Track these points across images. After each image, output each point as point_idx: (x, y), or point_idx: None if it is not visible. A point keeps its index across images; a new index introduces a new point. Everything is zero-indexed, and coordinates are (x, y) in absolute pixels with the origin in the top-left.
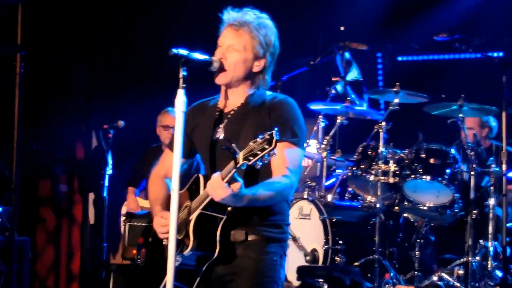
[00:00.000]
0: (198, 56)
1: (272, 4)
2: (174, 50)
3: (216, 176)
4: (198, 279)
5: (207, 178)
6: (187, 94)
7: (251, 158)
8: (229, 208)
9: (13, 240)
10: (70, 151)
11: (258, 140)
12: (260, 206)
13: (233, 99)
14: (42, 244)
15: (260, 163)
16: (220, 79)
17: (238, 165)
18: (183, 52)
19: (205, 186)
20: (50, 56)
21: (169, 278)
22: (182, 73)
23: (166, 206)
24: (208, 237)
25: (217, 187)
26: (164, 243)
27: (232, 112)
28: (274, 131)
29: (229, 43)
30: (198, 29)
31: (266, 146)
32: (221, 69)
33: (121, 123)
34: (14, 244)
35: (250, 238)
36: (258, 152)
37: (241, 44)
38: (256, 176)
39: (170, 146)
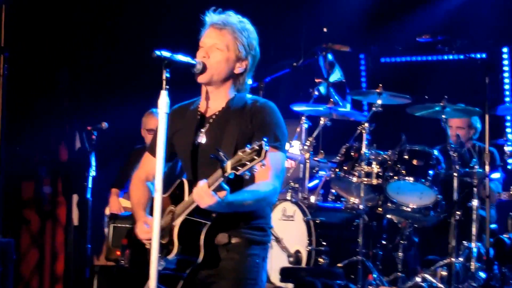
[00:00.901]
0: (181, 58)
1: (255, 6)
2: (157, 52)
3: (202, 184)
4: (182, 282)
5: (191, 183)
6: (170, 95)
7: (240, 168)
8: (213, 214)
9: None
10: (54, 153)
11: (247, 150)
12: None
13: (214, 102)
14: (26, 245)
15: (249, 174)
16: (202, 78)
17: (226, 174)
18: (166, 53)
19: (189, 192)
20: (34, 58)
21: (152, 283)
22: (165, 74)
23: (149, 210)
24: (192, 242)
25: (204, 195)
26: (147, 247)
27: (213, 117)
28: (263, 142)
29: (212, 43)
30: (181, 31)
31: (256, 157)
32: (204, 69)
33: (104, 124)
34: None
35: (233, 241)
36: (247, 163)
37: (224, 43)
38: (240, 181)
39: (150, 149)
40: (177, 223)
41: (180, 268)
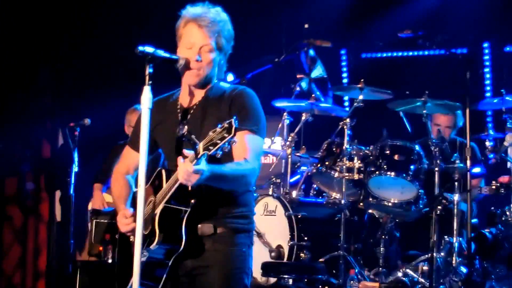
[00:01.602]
0: (164, 53)
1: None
2: (141, 48)
3: (185, 161)
4: (167, 271)
5: (169, 172)
6: (153, 91)
7: (211, 147)
8: (192, 201)
9: None
10: (36, 149)
11: (218, 129)
12: (226, 192)
13: (194, 93)
14: (8, 241)
15: (221, 152)
16: (193, 80)
17: (199, 156)
18: (149, 49)
19: (167, 180)
20: (15, 54)
21: (136, 274)
22: (148, 70)
23: (131, 203)
24: (174, 231)
25: (190, 172)
26: (131, 239)
27: (194, 107)
28: (232, 119)
29: (201, 44)
30: (163, 26)
31: (226, 135)
32: (187, 64)
33: (87, 121)
34: None
35: (218, 231)
36: (218, 141)
37: (212, 43)
38: (219, 164)
39: (131, 143)
40: (157, 211)
41: (164, 257)
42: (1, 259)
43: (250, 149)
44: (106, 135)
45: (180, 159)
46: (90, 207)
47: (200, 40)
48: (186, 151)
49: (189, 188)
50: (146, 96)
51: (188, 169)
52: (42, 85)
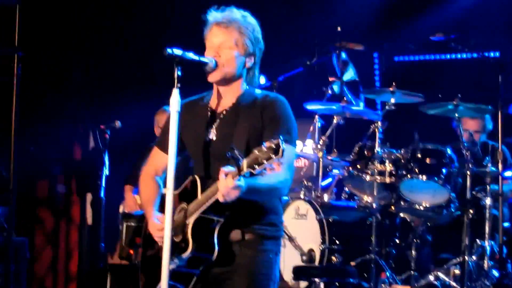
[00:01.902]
0: (193, 56)
1: (269, 5)
2: (169, 50)
3: (228, 179)
4: (195, 278)
5: (204, 181)
6: (182, 93)
7: (256, 166)
8: (227, 212)
9: (11, 241)
10: (68, 152)
11: (263, 148)
12: (256, 202)
13: (225, 98)
14: (40, 244)
15: (265, 171)
16: (213, 77)
17: (242, 173)
18: (177, 51)
19: (202, 189)
20: (47, 57)
21: (164, 280)
22: (177, 72)
23: (158, 207)
24: (206, 240)
25: (230, 190)
26: (160, 244)
27: (224, 112)
28: (280, 140)
29: (221, 41)
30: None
31: (272, 155)
32: (216, 67)
33: (117, 123)
34: (11, 245)
35: (246, 237)
36: (264, 161)
37: (232, 40)
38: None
39: (158, 143)
40: (191, 221)
41: (193, 265)
42: (33, 262)
43: (284, 160)
44: (136, 137)
45: (222, 175)
46: (121, 209)
47: (219, 38)
48: (226, 168)
49: (215, 205)
50: (175, 98)
51: (229, 185)
52: (73, 88)
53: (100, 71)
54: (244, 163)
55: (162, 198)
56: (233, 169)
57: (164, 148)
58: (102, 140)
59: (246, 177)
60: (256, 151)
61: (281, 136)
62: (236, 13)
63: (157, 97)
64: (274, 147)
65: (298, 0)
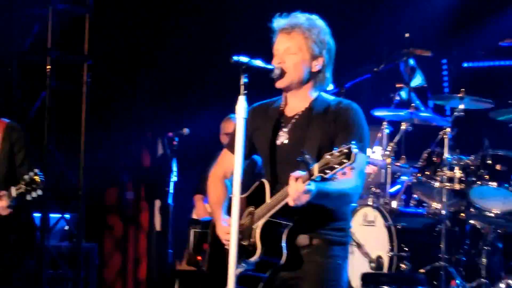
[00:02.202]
0: (259, 63)
1: (336, 11)
2: (235, 58)
3: (298, 183)
4: (262, 284)
5: (271, 184)
6: (249, 100)
7: (327, 171)
8: (296, 216)
9: (81, 247)
10: (136, 159)
11: (335, 153)
12: (325, 207)
13: (296, 102)
14: (109, 250)
15: (337, 177)
16: (280, 83)
17: (313, 178)
18: (244, 59)
19: (270, 193)
20: (116, 65)
21: (231, 284)
22: (243, 80)
23: (226, 209)
24: (274, 244)
25: (301, 194)
26: (226, 247)
27: (296, 117)
28: (352, 145)
29: (285, 48)
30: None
31: (345, 160)
32: (282, 74)
33: (185, 130)
34: (81, 251)
35: (314, 242)
36: (336, 166)
37: (296, 45)
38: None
39: (228, 146)
40: (259, 225)
41: (261, 269)
42: (102, 268)
43: (356, 168)
44: (204, 144)
45: (292, 179)
46: (194, 217)
47: (283, 44)
48: (297, 173)
49: (283, 209)
50: (241, 105)
51: (299, 189)
52: (142, 95)
53: (168, 78)
54: (315, 167)
55: (230, 201)
56: (303, 174)
57: (234, 151)
58: (170, 147)
59: (317, 181)
60: (327, 156)
61: (353, 142)
62: (301, 18)
63: (225, 104)
64: (346, 152)
65: (366, 7)
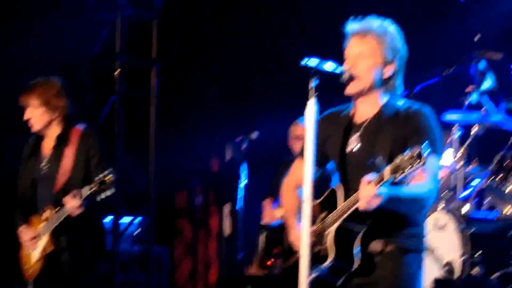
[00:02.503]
0: (329, 66)
1: (404, 14)
2: (305, 61)
3: (369, 186)
4: None
5: (343, 190)
6: (319, 104)
7: (398, 174)
8: (368, 221)
9: (151, 251)
10: (206, 163)
11: (406, 155)
12: (395, 216)
13: (366, 108)
14: (179, 254)
15: (407, 179)
16: (351, 89)
17: (384, 180)
18: (313, 62)
19: (344, 199)
20: (184, 69)
21: None
22: (313, 83)
23: (300, 217)
24: (347, 250)
25: (372, 197)
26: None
27: (366, 123)
28: (422, 148)
29: (357, 52)
30: (329, 39)
31: (414, 163)
32: (352, 78)
33: (254, 134)
34: (152, 255)
35: (387, 248)
36: (406, 169)
37: (369, 50)
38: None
39: (301, 155)
40: (331, 230)
41: (333, 275)
42: (173, 272)
43: (429, 172)
44: (274, 148)
45: (363, 182)
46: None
47: (355, 48)
48: (367, 177)
49: (354, 213)
50: (311, 109)
51: (370, 193)
52: (210, 99)
53: (237, 82)
54: (386, 170)
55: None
56: (374, 177)
57: None
58: (239, 152)
59: (390, 185)
60: (398, 159)
61: (425, 144)
62: (374, 22)
63: (294, 108)
64: (416, 154)
65: (435, 10)
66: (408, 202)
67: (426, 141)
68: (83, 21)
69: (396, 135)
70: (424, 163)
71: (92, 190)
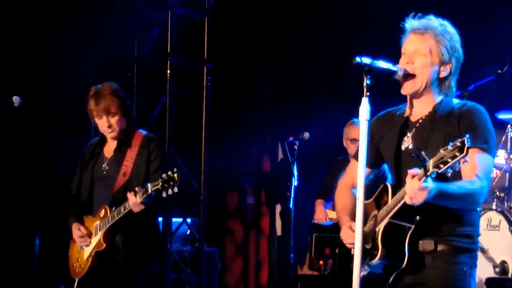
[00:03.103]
0: (382, 64)
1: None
2: (358, 59)
3: (414, 180)
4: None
5: (394, 188)
6: (372, 103)
7: (442, 165)
8: (417, 218)
9: (202, 251)
10: (257, 163)
11: (449, 147)
12: (447, 214)
13: (420, 107)
14: (231, 255)
15: (451, 171)
16: (407, 88)
17: (428, 173)
18: (366, 60)
19: (392, 195)
20: (236, 69)
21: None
22: (366, 81)
23: (354, 216)
24: (396, 247)
25: (417, 190)
26: (352, 253)
27: (420, 121)
28: (465, 138)
29: (414, 48)
30: (381, 37)
31: (457, 154)
32: (407, 76)
33: (306, 134)
34: (203, 255)
35: (439, 248)
36: (449, 160)
37: (426, 48)
38: (446, 182)
39: (356, 156)
40: (381, 227)
41: (384, 273)
42: (224, 272)
43: (480, 168)
44: (325, 148)
45: (408, 176)
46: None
47: (414, 45)
48: (413, 170)
49: (402, 209)
50: (364, 108)
51: (415, 186)
52: (262, 100)
53: (289, 82)
54: (430, 163)
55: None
56: (419, 171)
57: None
58: (291, 152)
59: (437, 180)
60: (442, 151)
61: (467, 135)
62: (434, 21)
63: (347, 108)
64: (460, 145)
65: (489, 7)
66: (457, 198)
67: (480, 142)
68: (135, 21)
69: (448, 133)
70: (466, 155)
71: (156, 187)
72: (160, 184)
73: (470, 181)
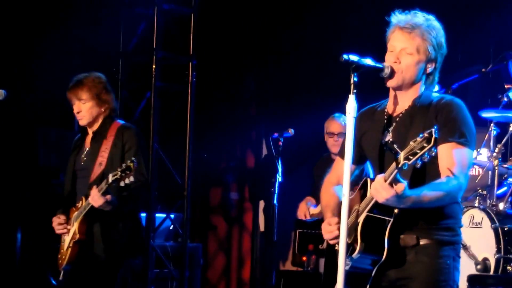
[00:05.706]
0: (369, 62)
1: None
2: (345, 56)
3: (379, 177)
4: (369, 284)
5: (373, 181)
6: (357, 100)
7: (411, 157)
8: (395, 211)
9: (186, 247)
10: (241, 159)
11: (418, 139)
12: (427, 208)
13: (402, 102)
14: (213, 250)
15: (420, 162)
16: (391, 83)
17: (399, 166)
18: (354, 58)
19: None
20: (221, 65)
21: (340, 282)
22: (353, 79)
23: (337, 212)
24: (376, 240)
25: (380, 189)
26: (336, 248)
27: (400, 115)
28: (433, 129)
29: (402, 47)
30: (366, 33)
31: (425, 145)
32: (393, 74)
33: (291, 130)
34: (186, 250)
35: (421, 242)
36: (418, 151)
37: (414, 47)
38: (423, 177)
39: (341, 153)
40: (360, 220)
41: (367, 267)
42: (206, 268)
43: (457, 164)
44: (309, 145)
45: (377, 176)
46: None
47: (401, 43)
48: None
49: (379, 203)
50: (351, 105)
51: (377, 184)
52: (247, 95)
53: (273, 78)
54: (401, 155)
55: (340, 204)
56: (391, 170)
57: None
58: (275, 148)
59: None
60: (411, 143)
61: (435, 126)
62: (420, 17)
63: (331, 104)
64: (428, 135)
65: (473, 6)
66: (433, 202)
67: (457, 134)
68: (121, 16)
69: (426, 126)
70: (434, 145)
71: (115, 177)
72: (119, 174)
73: (447, 179)
